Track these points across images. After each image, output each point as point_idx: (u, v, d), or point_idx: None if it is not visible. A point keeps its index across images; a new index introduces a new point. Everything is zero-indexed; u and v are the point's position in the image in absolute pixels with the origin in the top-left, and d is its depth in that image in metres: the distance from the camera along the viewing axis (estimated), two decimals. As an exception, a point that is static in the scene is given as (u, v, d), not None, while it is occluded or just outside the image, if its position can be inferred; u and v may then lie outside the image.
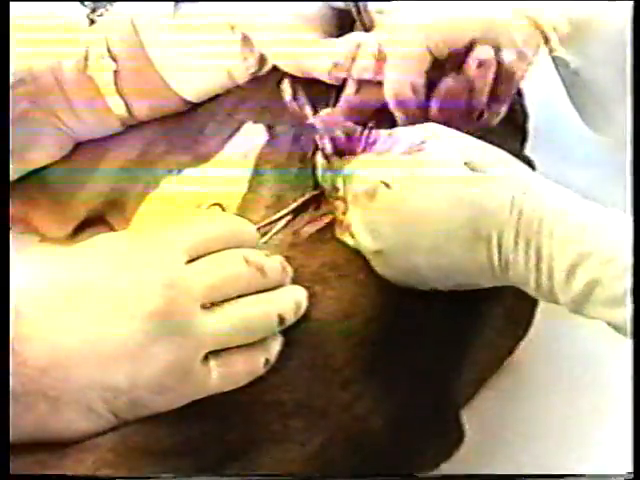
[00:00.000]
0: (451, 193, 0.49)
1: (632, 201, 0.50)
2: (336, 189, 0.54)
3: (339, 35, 0.59)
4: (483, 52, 0.55)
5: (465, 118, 0.56)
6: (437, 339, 0.53)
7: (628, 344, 0.48)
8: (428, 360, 0.53)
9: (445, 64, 0.56)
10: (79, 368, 0.43)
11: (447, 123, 0.53)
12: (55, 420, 0.44)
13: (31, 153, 0.63)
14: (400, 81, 0.55)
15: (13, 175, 0.63)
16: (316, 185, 0.56)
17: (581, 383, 0.62)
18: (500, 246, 0.49)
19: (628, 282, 0.45)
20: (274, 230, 0.55)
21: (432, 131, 0.52)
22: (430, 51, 0.55)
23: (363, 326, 0.51)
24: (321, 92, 0.59)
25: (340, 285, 0.51)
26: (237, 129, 0.62)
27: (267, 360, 0.48)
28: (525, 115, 0.67)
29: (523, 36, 0.56)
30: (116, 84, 0.62)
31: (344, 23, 0.60)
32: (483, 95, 0.56)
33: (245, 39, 0.61)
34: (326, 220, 0.54)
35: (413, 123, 0.54)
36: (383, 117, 0.57)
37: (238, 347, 0.47)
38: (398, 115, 0.56)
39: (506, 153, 0.52)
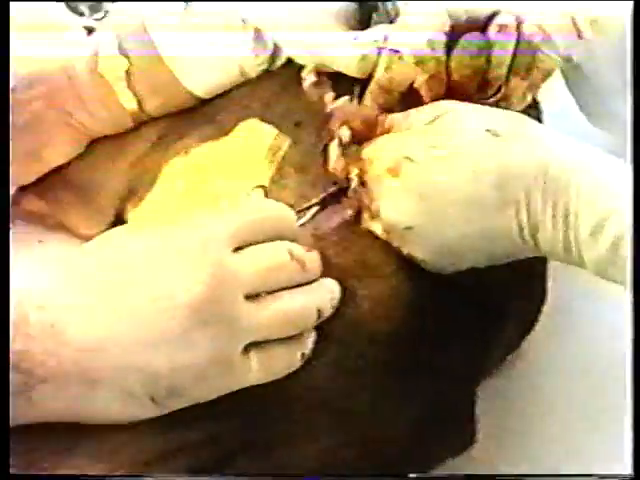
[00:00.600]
0: (475, 160, 0.49)
1: (632, 200, 0.49)
2: (349, 180, 0.54)
3: (361, 29, 0.59)
4: (505, 18, 0.55)
5: (482, 88, 0.56)
6: (462, 341, 0.54)
7: (626, 338, 0.48)
8: (453, 362, 0.54)
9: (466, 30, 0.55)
10: (120, 351, 0.44)
11: (465, 92, 0.54)
12: (90, 402, 0.44)
13: (46, 153, 0.64)
14: (418, 36, 0.55)
15: (30, 177, 0.64)
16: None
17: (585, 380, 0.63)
18: (529, 209, 0.49)
19: None
20: (302, 220, 0.55)
21: (446, 106, 0.52)
22: (449, 13, 0.54)
23: (392, 328, 0.51)
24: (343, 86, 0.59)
25: (372, 284, 0.52)
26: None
27: (304, 354, 0.48)
28: (539, 110, 0.66)
29: (554, 24, 0.56)
30: (128, 81, 0.62)
31: (364, 16, 0.60)
32: (502, 67, 0.55)
33: (257, 34, 0.61)
34: (350, 212, 0.54)
35: (434, 89, 0.54)
36: (411, 100, 0.56)
37: (277, 340, 0.47)
38: (419, 78, 0.55)
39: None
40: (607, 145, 0.66)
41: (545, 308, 0.62)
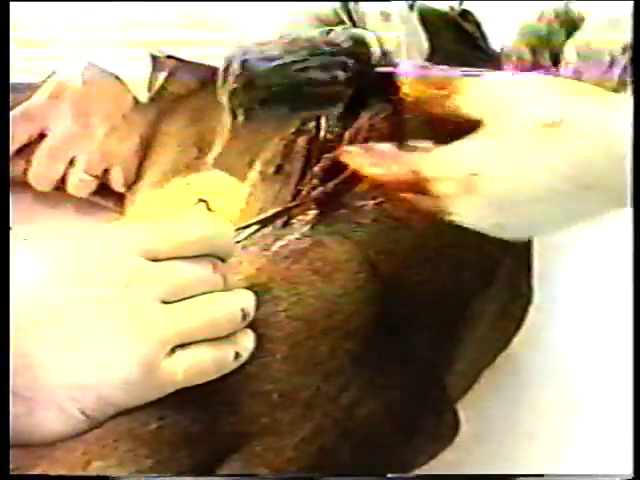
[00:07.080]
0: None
1: (632, 201, 0.49)
2: None
3: None
4: None
5: None
6: (426, 332, 0.55)
7: (626, 338, 0.48)
8: (417, 352, 0.54)
9: None
10: (50, 368, 0.44)
11: None
12: (30, 421, 0.44)
13: None
14: None
15: None
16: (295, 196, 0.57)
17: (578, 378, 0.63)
18: None
19: None
20: (241, 236, 0.56)
21: None
22: None
23: (345, 322, 0.52)
24: None
25: (323, 287, 0.52)
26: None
27: (237, 354, 0.48)
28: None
29: None
30: None
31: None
32: None
33: None
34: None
35: None
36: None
37: (205, 341, 0.47)
38: None
39: None
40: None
41: (533, 306, 0.62)
